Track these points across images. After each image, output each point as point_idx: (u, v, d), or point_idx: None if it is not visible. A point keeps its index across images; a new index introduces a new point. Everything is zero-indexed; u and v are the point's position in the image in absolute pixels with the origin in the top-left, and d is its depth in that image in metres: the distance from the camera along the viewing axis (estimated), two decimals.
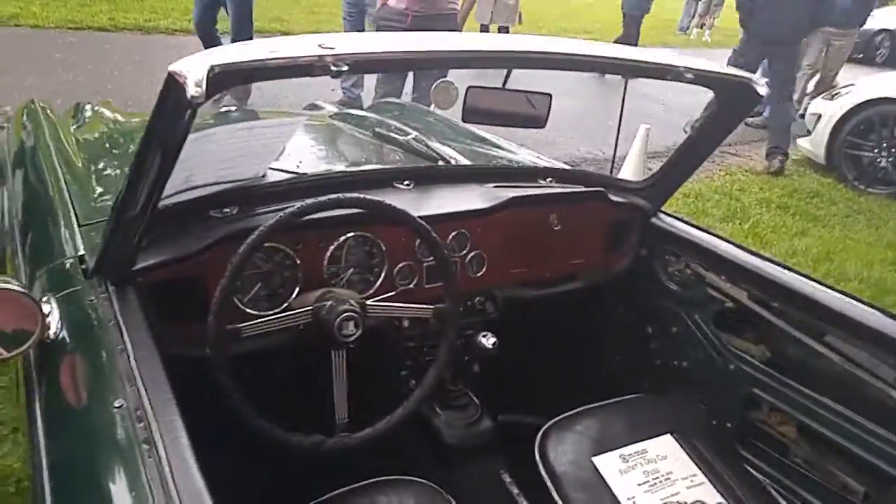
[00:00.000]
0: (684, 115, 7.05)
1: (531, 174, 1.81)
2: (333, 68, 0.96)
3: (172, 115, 0.92)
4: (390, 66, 1.08)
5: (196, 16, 5.14)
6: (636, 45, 8.34)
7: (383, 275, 1.47)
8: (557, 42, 1.20)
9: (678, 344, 1.80)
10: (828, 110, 5.79)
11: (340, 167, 1.78)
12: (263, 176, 1.41)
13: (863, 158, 5.62)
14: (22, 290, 1.03)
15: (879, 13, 10.12)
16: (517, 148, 2.41)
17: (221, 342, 1.14)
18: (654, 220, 1.82)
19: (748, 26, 5.64)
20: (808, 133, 6.04)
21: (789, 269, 1.58)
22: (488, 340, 1.58)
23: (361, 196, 1.27)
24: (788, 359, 1.59)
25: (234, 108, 4.08)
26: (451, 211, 1.54)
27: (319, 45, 0.97)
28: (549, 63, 1.26)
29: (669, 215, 1.84)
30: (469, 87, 1.37)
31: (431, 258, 1.46)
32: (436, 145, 1.86)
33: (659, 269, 1.83)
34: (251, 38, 4.83)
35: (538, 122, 1.43)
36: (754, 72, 6.55)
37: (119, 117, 2.39)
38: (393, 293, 1.44)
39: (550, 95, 1.41)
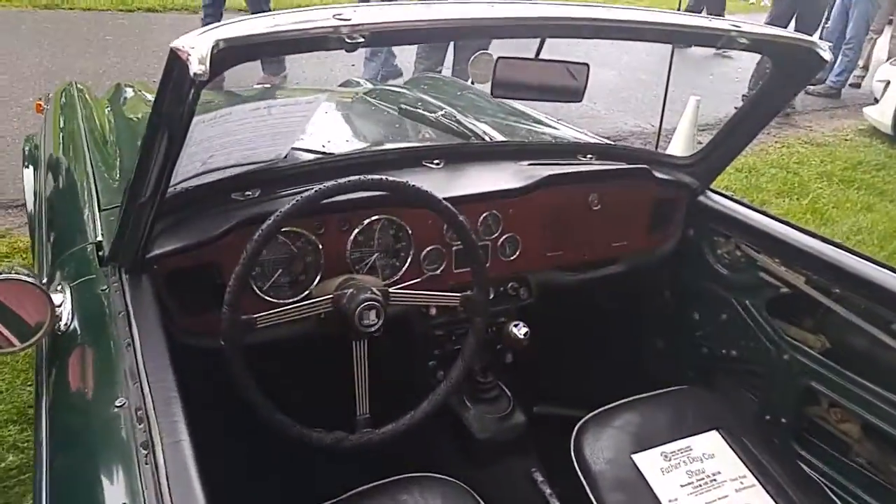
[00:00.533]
0: (735, 84, 6.75)
1: (570, 150, 1.71)
2: (349, 41, 0.89)
3: (176, 94, 0.87)
4: (410, 38, 1.00)
5: None
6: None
7: (410, 259, 1.41)
8: (596, 8, 1.09)
9: (727, 332, 1.69)
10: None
11: (368, 146, 1.70)
12: (286, 156, 1.36)
13: None
14: (31, 279, 1.00)
15: None
16: (557, 123, 2.29)
17: (236, 333, 1.09)
18: (701, 198, 1.71)
19: None
20: (875, 101, 5.70)
21: (852, 251, 1.45)
22: (520, 330, 1.50)
23: (383, 177, 1.19)
24: (851, 350, 1.46)
25: (267, 86, 4.06)
26: (482, 191, 1.45)
27: (335, 16, 0.90)
28: (587, 31, 1.15)
29: (719, 193, 1.72)
30: (499, 58, 1.27)
31: (460, 244, 1.39)
32: (468, 121, 1.77)
33: (707, 250, 1.72)
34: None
35: (575, 94, 1.33)
36: (785, 26, 6.18)
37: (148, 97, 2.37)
38: (418, 279, 1.37)
39: (587, 65, 1.29)
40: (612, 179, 1.61)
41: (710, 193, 1.72)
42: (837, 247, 1.46)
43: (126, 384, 0.88)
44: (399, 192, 1.21)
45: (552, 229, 1.56)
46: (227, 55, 0.83)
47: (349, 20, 0.89)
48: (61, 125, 2.01)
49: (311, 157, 1.47)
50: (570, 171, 1.56)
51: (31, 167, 2.07)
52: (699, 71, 6.95)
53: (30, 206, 1.96)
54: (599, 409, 1.45)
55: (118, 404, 0.86)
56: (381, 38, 0.94)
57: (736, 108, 6.25)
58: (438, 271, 1.44)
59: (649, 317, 1.87)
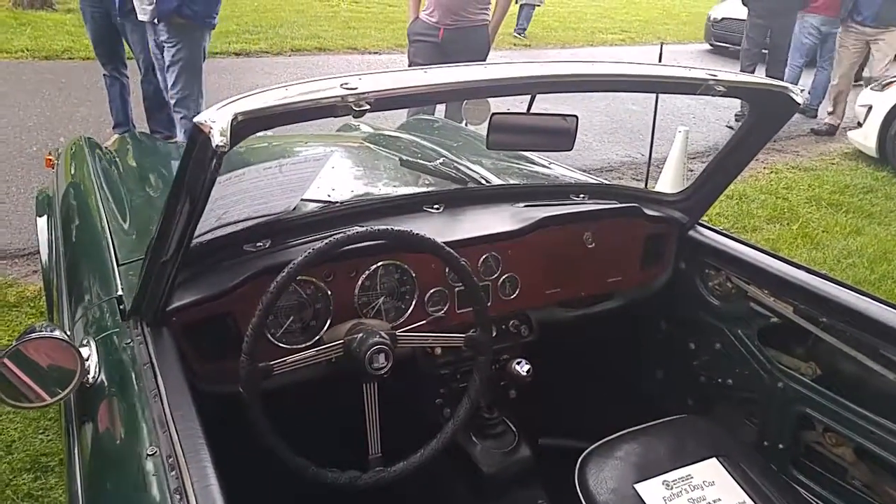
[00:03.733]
0: (720, 111, 6.90)
1: (563, 191, 1.79)
2: (356, 108, 0.97)
3: (199, 163, 0.94)
4: (412, 102, 1.09)
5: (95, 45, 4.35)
6: None
7: (414, 302, 1.47)
8: (579, 65, 1.18)
9: (722, 361, 1.75)
10: (879, 101, 5.57)
11: (371, 193, 1.78)
12: (295, 208, 1.43)
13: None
14: (61, 336, 1.06)
15: None
16: (549, 163, 2.38)
17: (254, 380, 1.15)
18: (691, 232, 1.78)
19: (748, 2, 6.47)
20: (859, 125, 5.83)
21: (837, 282, 1.51)
22: (523, 367, 1.56)
23: (389, 228, 1.26)
24: (842, 376, 1.52)
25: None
26: (481, 234, 1.52)
27: (342, 86, 0.98)
28: (573, 86, 1.25)
29: (708, 228, 1.80)
30: (493, 115, 1.36)
31: (462, 284, 1.45)
32: (465, 166, 1.85)
33: (699, 283, 1.78)
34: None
35: (565, 144, 1.41)
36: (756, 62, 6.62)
37: (159, 147, 2.46)
38: (423, 321, 1.43)
39: (576, 117, 1.38)
40: (604, 218, 1.68)
41: (699, 228, 1.79)
42: (823, 277, 1.53)
43: (156, 433, 0.94)
44: (404, 241, 1.29)
45: (550, 268, 1.63)
46: (244, 126, 0.91)
47: (355, 89, 0.97)
48: (73, 179, 2.08)
49: (317, 206, 1.54)
50: (564, 212, 1.63)
51: (44, 219, 2.14)
52: (684, 98, 7.09)
53: (44, 257, 2.02)
54: (602, 441, 1.49)
55: (150, 452, 0.91)
56: (386, 104, 1.02)
57: (730, 126, 6.29)
58: (442, 312, 1.50)
59: (647, 348, 1.92)
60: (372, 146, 2.37)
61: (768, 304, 1.63)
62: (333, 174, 1.82)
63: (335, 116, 0.99)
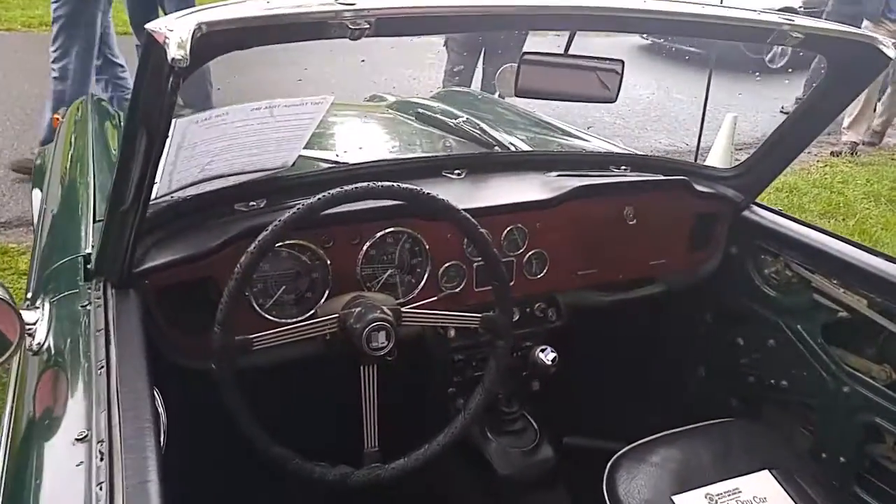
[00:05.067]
0: (769, 102, 6.54)
1: (603, 161, 1.59)
2: (352, 27, 0.78)
3: (154, 84, 0.77)
4: (424, 27, 0.89)
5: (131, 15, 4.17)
6: None
7: (426, 276, 1.29)
8: None
9: (776, 359, 1.55)
10: None
11: (385, 156, 1.60)
12: (294, 164, 1.26)
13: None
14: (3, 297, 0.90)
15: None
16: (589, 135, 2.17)
17: (228, 355, 0.99)
18: (746, 213, 1.57)
19: None
20: None
21: None
22: (547, 356, 1.38)
23: (394, 184, 1.08)
24: None
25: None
26: (506, 202, 1.34)
27: (337, 0, 0.79)
28: (622, 23, 1.05)
29: (765, 208, 1.59)
30: (523, 55, 1.16)
31: (481, 260, 1.27)
32: (493, 130, 1.66)
33: (752, 270, 1.58)
34: None
35: (608, 95, 1.21)
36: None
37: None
38: (434, 298, 1.25)
39: (622, 62, 1.18)
40: (649, 192, 1.49)
41: (755, 208, 1.58)
42: None
43: (91, 413, 0.77)
44: (412, 201, 1.10)
45: (584, 245, 1.44)
46: (210, 41, 0.73)
47: (353, 4, 0.78)
48: (71, 138, 1.96)
49: (323, 166, 1.37)
50: (603, 181, 1.45)
51: (39, 182, 2.02)
52: (730, 93, 6.75)
53: (35, 221, 1.90)
54: (635, 443, 1.33)
55: (78, 436, 0.75)
56: (390, 26, 0.83)
57: (784, 112, 5.96)
58: (458, 289, 1.33)
59: (689, 341, 1.72)
60: (391, 110, 2.20)
61: (836, 295, 1.42)
62: (343, 135, 1.65)
63: (328, 38, 0.80)
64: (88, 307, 0.97)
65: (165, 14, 4.37)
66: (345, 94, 5.65)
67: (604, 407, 1.61)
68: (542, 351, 1.38)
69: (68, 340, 0.94)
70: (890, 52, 1.15)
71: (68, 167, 1.73)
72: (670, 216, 1.52)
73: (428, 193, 1.09)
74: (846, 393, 1.40)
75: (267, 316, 1.17)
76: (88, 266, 1.09)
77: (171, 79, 0.74)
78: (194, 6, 3.41)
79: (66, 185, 1.62)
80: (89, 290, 1.01)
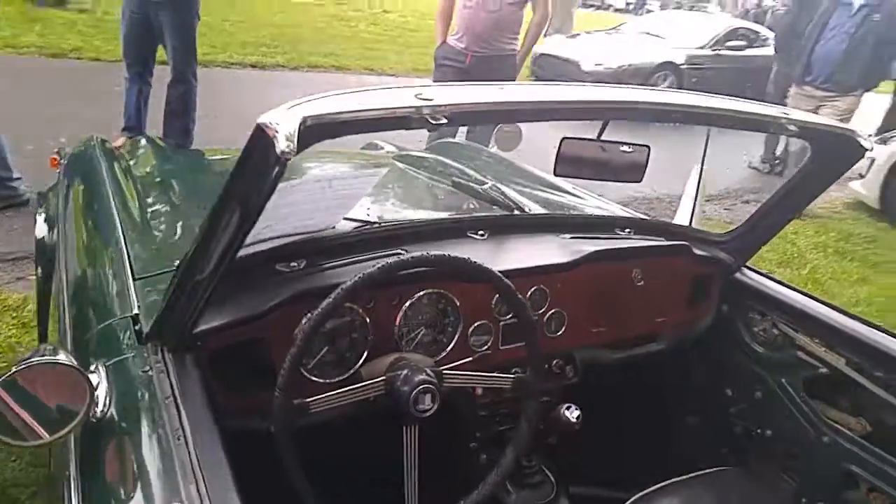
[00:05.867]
0: (734, 155, 6.78)
1: (609, 224, 1.69)
2: (431, 121, 0.87)
3: (259, 170, 0.82)
4: (490, 118, 0.99)
5: (125, 50, 4.27)
6: None
7: (458, 335, 1.34)
8: (657, 93, 1.10)
9: (762, 410, 1.66)
10: (881, 154, 5.64)
11: (410, 215, 1.66)
12: (333, 227, 1.30)
13: None
14: (66, 361, 0.91)
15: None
16: (583, 193, 2.28)
17: (289, 418, 1.02)
18: (737, 275, 1.70)
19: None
20: (861, 177, 5.90)
21: (893, 334, 1.43)
22: (572, 413, 1.43)
23: (446, 254, 1.15)
24: (892, 433, 1.43)
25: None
26: (531, 265, 1.41)
27: (416, 96, 0.88)
28: (658, 115, 1.17)
29: (755, 271, 1.71)
30: (563, 139, 1.25)
31: (510, 316, 1.35)
32: (511, 193, 1.73)
33: (742, 327, 1.69)
34: (195, 72, 4.31)
35: (635, 175, 1.30)
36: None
37: (175, 152, 2.33)
38: (469, 359, 1.30)
39: (648, 147, 1.27)
40: (654, 255, 1.59)
41: (745, 271, 1.71)
42: (879, 329, 1.45)
43: (179, 483, 0.79)
44: (464, 270, 1.17)
45: (597, 305, 1.52)
46: (313, 132, 0.80)
47: (431, 100, 0.88)
48: (82, 181, 1.94)
49: (356, 226, 1.41)
50: (615, 246, 1.53)
51: (43, 222, 1.99)
52: (698, 146, 7.03)
53: (40, 266, 1.87)
54: (641, 493, 1.38)
55: None
56: (463, 118, 0.92)
57: (753, 167, 6.08)
58: (485, 348, 1.37)
59: (684, 393, 1.81)
60: (401, 165, 2.26)
61: (818, 353, 1.54)
62: (369, 193, 1.69)
63: (409, 129, 0.88)
64: (150, 372, 0.98)
65: (166, 49, 4.36)
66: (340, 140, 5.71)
67: (610, 457, 1.67)
68: (568, 409, 1.43)
69: (136, 408, 0.94)
70: (866, 144, 1.30)
71: (87, 217, 1.71)
72: (671, 277, 1.62)
73: (478, 264, 1.16)
74: (826, 443, 1.51)
75: (310, 376, 1.19)
76: (136, 327, 1.10)
77: (276, 168, 0.79)
78: (195, 44, 3.48)
79: (88, 238, 1.60)
80: (146, 355, 1.02)
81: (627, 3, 26.55)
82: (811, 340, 1.55)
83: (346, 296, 1.06)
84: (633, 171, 1.32)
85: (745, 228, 1.66)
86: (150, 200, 1.72)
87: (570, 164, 1.27)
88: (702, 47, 8.68)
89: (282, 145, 0.75)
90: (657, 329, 1.64)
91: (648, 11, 20.50)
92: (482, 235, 1.46)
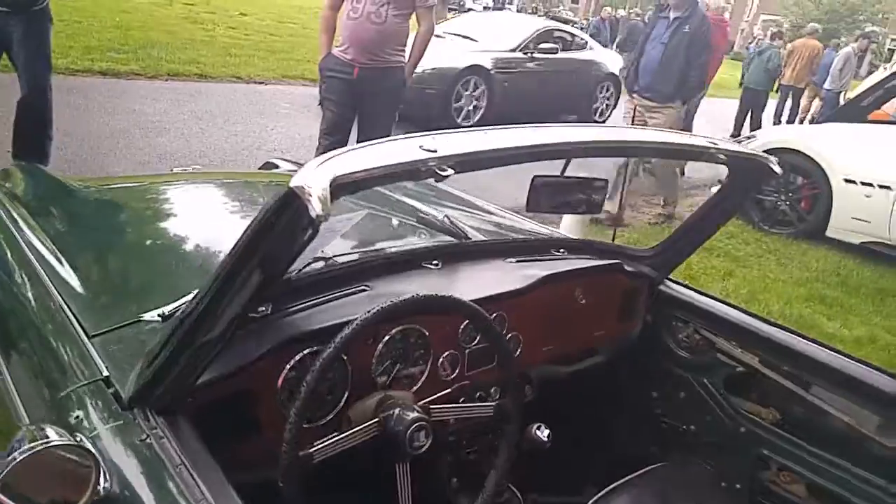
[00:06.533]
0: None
1: (545, 246, 1.80)
2: (439, 172, 0.93)
3: (289, 233, 0.81)
4: (495, 163, 1.04)
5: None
6: None
7: (429, 366, 1.38)
8: (642, 133, 1.22)
9: (685, 408, 1.83)
10: None
11: (362, 248, 1.66)
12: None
13: (765, 203, 5.95)
14: (67, 441, 0.83)
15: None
16: (503, 212, 2.38)
17: (296, 470, 1.02)
18: (661, 287, 1.86)
19: None
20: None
21: (797, 333, 1.66)
22: (543, 433, 1.51)
23: (441, 294, 1.23)
24: (796, 419, 1.65)
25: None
26: (493, 293, 1.49)
27: (421, 147, 0.93)
28: (631, 151, 1.30)
29: (677, 283, 1.89)
30: (535, 177, 1.33)
31: (475, 343, 1.43)
32: (454, 219, 1.80)
33: (666, 335, 1.86)
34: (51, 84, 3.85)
35: (596, 207, 1.42)
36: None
37: (62, 180, 2.12)
38: (448, 391, 1.37)
39: (607, 181, 1.39)
40: (594, 274, 1.72)
41: (668, 283, 1.88)
42: (787, 330, 1.67)
43: None
44: (456, 310, 1.25)
45: (547, 324, 1.62)
46: (338, 192, 0.82)
47: (435, 151, 0.93)
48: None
49: (316, 265, 1.39)
50: (563, 269, 1.65)
51: None
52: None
53: None
54: (595, 497, 1.49)
55: None
56: (468, 166, 0.96)
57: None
58: (454, 375, 1.43)
59: (615, 398, 1.96)
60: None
61: (736, 354, 1.75)
62: None
63: (421, 179, 0.93)
64: (149, 441, 0.92)
65: (12, 58, 3.81)
66: (205, 146, 5.45)
67: (561, 465, 1.76)
68: (538, 428, 1.50)
69: (146, 482, 0.88)
70: (777, 168, 1.48)
71: (13, 264, 1.53)
72: (606, 293, 1.75)
73: (469, 304, 1.25)
74: (742, 433, 1.71)
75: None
76: (111, 390, 1.03)
77: (309, 231, 0.79)
78: (49, 51, 3.17)
79: (22, 289, 1.42)
80: (136, 421, 0.96)
81: (485, 7, 27.17)
82: (728, 343, 1.74)
83: (344, 345, 1.07)
84: (594, 205, 1.44)
85: (667, 244, 1.83)
86: (63, 244, 1.57)
87: (539, 200, 1.36)
88: (512, 50, 7.94)
89: (316, 209, 0.76)
90: (596, 342, 1.77)
91: (469, 10, 19.98)
92: (436, 265, 1.52)
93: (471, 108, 7.53)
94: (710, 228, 1.77)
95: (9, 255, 1.52)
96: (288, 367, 1.15)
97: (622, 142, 1.27)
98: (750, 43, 20.41)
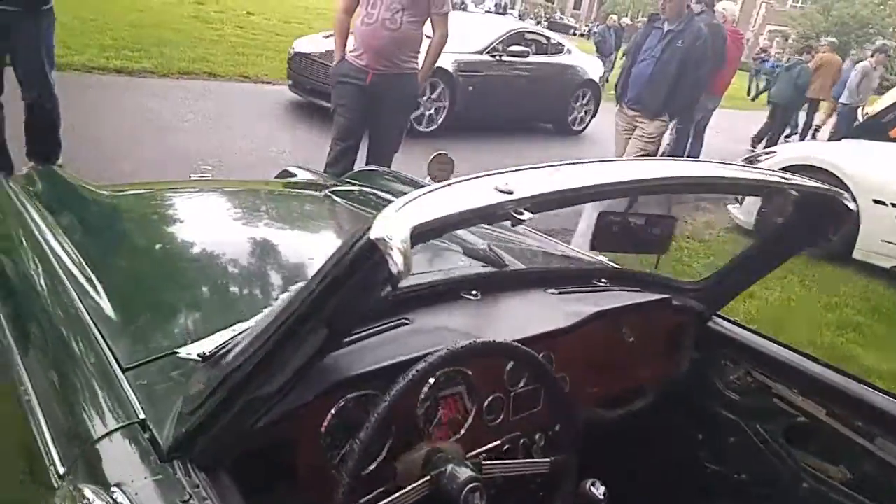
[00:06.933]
0: None
1: (587, 276, 1.70)
2: (516, 215, 0.86)
3: (363, 289, 0.74)
4: (572, 202, 0.97)
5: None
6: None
7: (473, 411, 1.29)
8: (717, 167, 1.14)
9: (736, 455, 1.70)
10: None
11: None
12: None
13: None
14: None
15: None
16: (532, 233, 2.29)
17: None
18: (709, 323, 1.74)
19: None
20: (737, 202, 6.23)
21: (866, 382, 1.52)
22: (598, 489, 1.39)
23: (508, 344, 1.17)
24: (871, 481, 1.50)
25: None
26: (540, 332, 1.38)
27: (496, 189, 0.86)
28: (709, 188, 1.24)
29: (726, 319, 1.76)
30: (600, 214, 1.25)
31: (521, 385, 1.33)
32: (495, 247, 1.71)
33: (714, 375, 1.74)
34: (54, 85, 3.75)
35: (662, 246, 1.33)
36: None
37: (87, 186, 2.04)
38: (497, 441, 1.28)
39: (675, 218, 1.31)
40: (642, 310, 1.61)
41: (716, 318, 1.75)
42: (854, 379, 1.52)
43: None
44: (518, 359, 1.18)
45: (592, 364, 1.52)
46: (416, 241, 0.74)
47: (511, 193, 0.87)
48: (17, 239, 1.62)
49: None
50: (612, 306, 1.54)
51: None
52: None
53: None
54: None
55: None
56: (543, 205, 0.90)
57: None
58: (498, 421, 1.33)
59: (661, 442, 1.84)
60: (342, 202, 2.16)
61: (796, 402, 1.60)
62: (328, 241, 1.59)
63: (497, 222, 0.86)
64: (192, 501, 0.85)
65: (15, 57, 3.72)
66: (214, 146, 5.37)
67: None
68: (593, 485, 1.39)
69: None
70: (851, 205, 1.33)
71: (14, 280, 1.46)
72: (653, 330, 1.64)
73: (533, 354, 1.18)
74: (805, 489, 1.56)
75: (337, 474, 1.09)
76: (147, 435, 0.95)
77: (388, 287, 0.73)
78: (52, 49, 3.07)
79: (52, 308, 1.32)
80: (176, 475, 0.89)
81: (486, 11, 27.04)
82: (788, 389, 1.60)
83: (399, 398, 1.00)
84: (661, 244, 1.36)
85: (717, 278, 1.71)
86: (91, 259, 1.49)
87: (605, 239, 1.28)
88: (479, 52, 7.35)
89: (398, 264, 0.69)
90: (643, 382, 1.66)
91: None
92: (475, 296, 1.43)
93: (431, 111, 6.99)
94: (769, 264, 1.63)
95: (38, 267, 1.44)
96: (332, 413, 1.07)
97: (698, 177, 1.17)
98: (760, 54, 20.34)
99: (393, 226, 0.72)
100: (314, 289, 0.77)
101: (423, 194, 0.82)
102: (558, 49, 8.75)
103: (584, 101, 8.89)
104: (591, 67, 9.12)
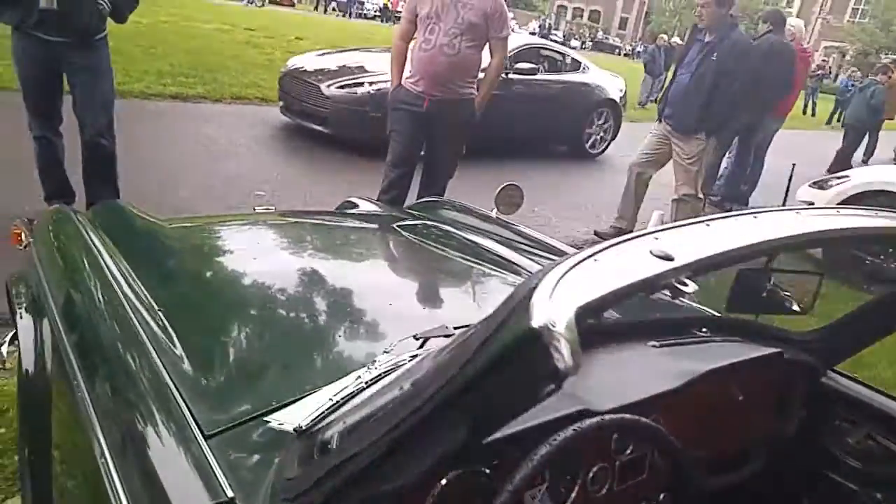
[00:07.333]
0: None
1: (685, 325, 1.56)
2: (679, 287, 0.77)
3: (518, 386, 0.63)
4: (734, 262, 0.86)
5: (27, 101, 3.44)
6: None
7: (578, 483, 1.16)
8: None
9: None
10: (821, 199, 5.68)
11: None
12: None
13: (866, 264, 5.19)
14: None
15: None
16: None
17: None
18: (822, 378, 1.57)
19: None
20: None
21: None
22: None
23: (646, 422, 1.09)
24: None
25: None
26: (651, 394, 1.25)
27: (652, 254, 0.76)
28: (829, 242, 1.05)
29: (841, 374, 1.59)
30: (740, 270, 1.12)
31: (628, 453, 1.21)
32: None
33: (828, 438, 1.56)
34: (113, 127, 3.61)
35: (806, 306, 1.19)
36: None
37: (154, 221, 1.99)
38: None
39: (822, 275, 1.17)
40: (753, 367, 1.45)
41: (830, 373, 1.59)
42: None
43: None
44: (651, 437, 1.10)
45: (699, 426, 1.37)
46: (582, 322, 0.64)
47: (672, 260, 0.76)
48: (66, 273, 1.59)
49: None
50: (727, 362, 1.40)
51: (29, 322, 1.60)
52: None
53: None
54: None
55: None
56: (702, 269, 0.79)
57: None
58: (603, 492, 1.20)
59: None
60: (411, 237, 2.08)
61: None
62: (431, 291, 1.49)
63: (654, 293, 0.74)
64: None
65: (74, 96, 3.74)
66: (268, 172, 5.37)
67: None
68: None
69: None
70: None
71: (86, 322, 1.39)
72: (762, 387, 1.50)
73: (667, 436, 1.10)
74: None
75: None
76: None
77: (550, 386, 0.62)
78: (112, 100, 2.98)
79: (102, 363, 1.26)
80: None
81: (531, 33, 27.00)
82: None
83: (544, 463, 0.91)
84: (805, 303, 1.23)
85: (832, 329, 1.56)
86: (163, 300, 1.42)
87: (744, 299, 1.16)
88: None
89: (566, 358, 0.58)
90: (751, 446, 1.51)
91: None
92: None
93: None
94: (892, 325, 1.48)
95: (112, 314, 1.37)
96: (435, 492, 0.96)
97: (875, 228, 1.05)
98: (816, 72, 19.80)
99: (557, 310, 0.61)
100: (455, 381, 0.66)
101: (572, 267, 0.70)
102: (574, 66, 8.22)
103: (602, 122, 8.29)
104: (611, 86, 8.49)
